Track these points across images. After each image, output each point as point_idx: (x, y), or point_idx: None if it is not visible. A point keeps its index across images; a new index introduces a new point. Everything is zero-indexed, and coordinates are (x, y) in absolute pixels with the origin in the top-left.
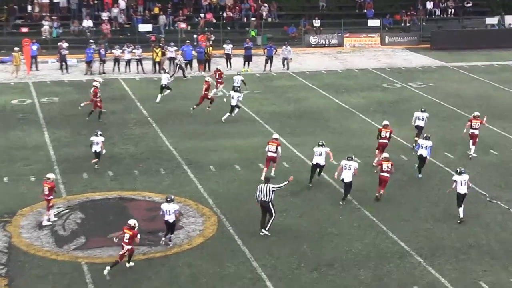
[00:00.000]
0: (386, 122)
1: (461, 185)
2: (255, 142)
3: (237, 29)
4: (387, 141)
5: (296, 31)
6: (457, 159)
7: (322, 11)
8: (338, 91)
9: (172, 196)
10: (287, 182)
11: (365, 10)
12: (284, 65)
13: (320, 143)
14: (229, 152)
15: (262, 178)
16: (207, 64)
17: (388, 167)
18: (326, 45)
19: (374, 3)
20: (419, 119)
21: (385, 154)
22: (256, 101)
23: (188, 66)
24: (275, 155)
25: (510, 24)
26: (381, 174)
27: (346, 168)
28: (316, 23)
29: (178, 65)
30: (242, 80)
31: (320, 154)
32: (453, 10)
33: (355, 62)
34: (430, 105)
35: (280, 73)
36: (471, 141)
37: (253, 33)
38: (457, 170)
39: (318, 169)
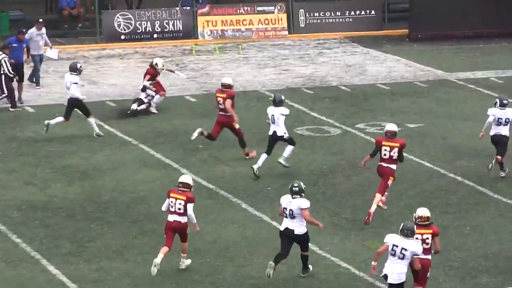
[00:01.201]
0: (391, 127)
1: None
2: None
3: None
4: (392, 166)
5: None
6: None
7: None
8: (187, 151)
9: None
10: None
11: None
12: (35, 81)
13: (296, 187)
14: None
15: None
16: None
17: (428, 240)
18: (154, 36)
19: None
20: (498, 124)
21: (422, 211)
22: None
23: None
24: (181, 219)
25: None
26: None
27: (395, 255)
28: None
29: None
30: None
31: (291, 214)
32: None
33: (228, 74)
34: (415, 181)
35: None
36: None
37: None
38: None
39: (295, 243)
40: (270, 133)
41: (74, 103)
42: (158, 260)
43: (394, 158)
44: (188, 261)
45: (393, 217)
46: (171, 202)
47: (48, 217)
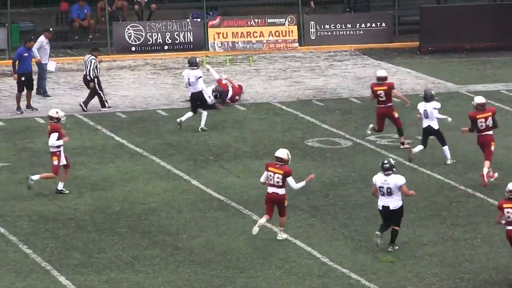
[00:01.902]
0: (479, 100)
1: None
2: None
3: None
4: (490, 133)
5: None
6: None
7: None
8: (197, 162)
9: None
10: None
11: None
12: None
13: (386, 163)
14: None
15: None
16: None
17: None
18: (164, 47)
19: None
20: None
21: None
22: None
23: None
24: (279, 191)
25: None
26: (508, 228)
27: None
28: None
29: None
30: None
31: (389, 192)
32: None
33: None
34: (426, 193)
35: None
36: None
37: None
38: None
39: (389, 219)
40: (424, 126)
41: (199, 96)
42: (262, 221)
43: (490, 126)
44: (285, 235)
45: (404, 229)
46: (270, 175)
47: (58, 228)
